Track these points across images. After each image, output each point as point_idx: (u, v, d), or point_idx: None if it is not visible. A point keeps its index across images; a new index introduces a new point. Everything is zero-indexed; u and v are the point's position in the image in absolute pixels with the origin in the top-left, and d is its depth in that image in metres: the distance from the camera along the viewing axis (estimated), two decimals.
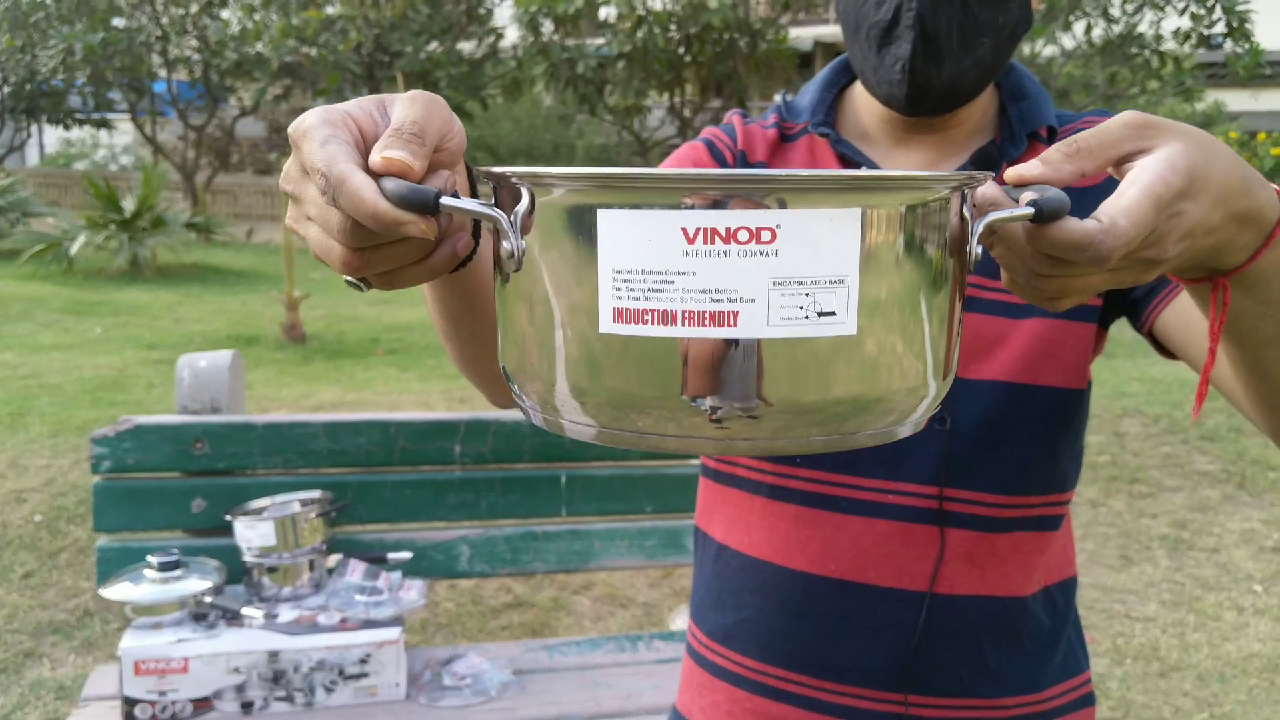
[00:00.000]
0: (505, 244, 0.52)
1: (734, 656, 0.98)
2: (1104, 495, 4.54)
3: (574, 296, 0.50)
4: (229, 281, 11.24)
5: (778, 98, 1.06)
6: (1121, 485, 4.63)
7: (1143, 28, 11.43)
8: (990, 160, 0.93)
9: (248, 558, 2.02)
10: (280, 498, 2.12)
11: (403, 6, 14.22)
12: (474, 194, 0.59)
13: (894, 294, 0.49)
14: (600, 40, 13.25)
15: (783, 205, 0.46)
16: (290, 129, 0.54)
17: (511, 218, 0.51)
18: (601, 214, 0.48)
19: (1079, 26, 11.49)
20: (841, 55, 1.02)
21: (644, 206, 0.47)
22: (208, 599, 1.94)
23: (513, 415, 2.22)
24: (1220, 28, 11.04)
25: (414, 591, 2.05)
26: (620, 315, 0.48)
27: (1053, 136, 0.95)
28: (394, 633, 1.94)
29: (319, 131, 0.51)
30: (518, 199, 0.51)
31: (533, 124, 18.40)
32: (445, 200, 0.49)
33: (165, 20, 15.95)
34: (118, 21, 15.74)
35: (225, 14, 16.14)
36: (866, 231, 0.47)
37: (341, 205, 0.49)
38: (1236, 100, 16.14)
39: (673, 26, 12.66)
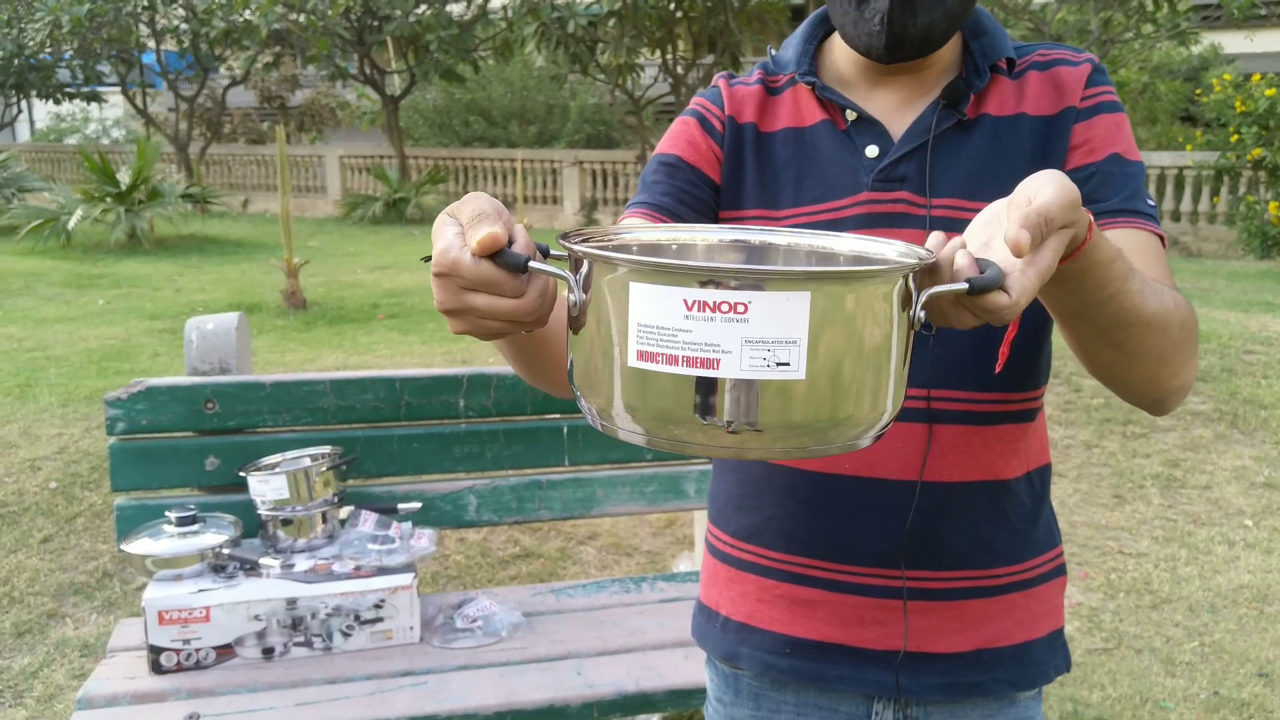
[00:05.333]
0: (571, 296, 0.71)
1: (760, 551, 1.09)
2: (1098, 437, 4.62)
3: (615, 338, 0.68)
4: (227, 251, 11.26)
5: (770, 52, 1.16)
6: (1115, 427, 4.70)
7: None
8: (959, 93, 1.03)
9: (262, 511, 2.09)
10: (291, 453, 2.18)
11: None
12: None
13: (838, 350, 0.66)
14: None
15: (755, 288, 0.63)
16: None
17: (577, 278, 0.71)
18: (633, 285, 0.66)
19: None
20: (820, 9, 1.12)
21: (660, 283, 0.65)
22: (226, 551, 2.02)
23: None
24: None
25: (425, 539, 2.12)
26: (641, 355, 0.66)
27: (1011, 67, 1.05)
28: (407, 578, 2.02)
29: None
30: (581, 265, 0.70)
31: (525, 85, 18.28)
32: (533, 264, 0.69)
33: None
34: None
35: None
36: (815, 308, 0.64)
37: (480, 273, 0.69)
38: (1232, 42, 16.03)
39: None
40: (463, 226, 0.70)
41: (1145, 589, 3.38)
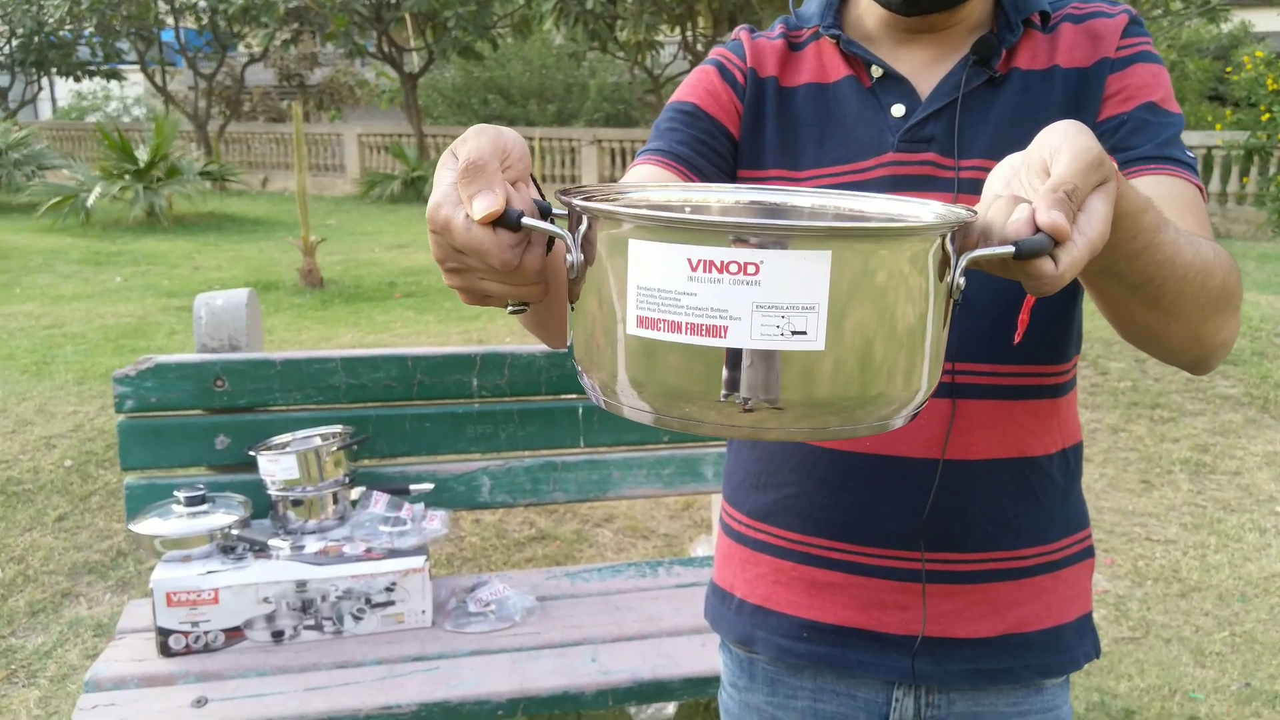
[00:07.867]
0: (569, 257, 0.64)
1: (776, 531, 1.05)
2: (1125, 421, 4.53)
3: (615, 304, 0.61)
4: (245, 229, 11.26)
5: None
6: (1143, 411, 4.61)
7: None
8: (990, 48, 0.96)
9: (272, 491, 2.05)
10: (302, 433, 2.14)
11: None
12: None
13: (865, 319, 0.58)
14: None
15: (770, 246, 0.56)
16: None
17: (575, 236, 0.64)
18: (631, 243, 0.59)
19: None
20: None
21: (662, 240, 0.58)
22: (235, 532, 1.98)
23: (528, 347, 2.23)
24: None
25: (437, 521, 2.07)
26: (641, 322, 0.59)
27: (1045, 21, 0.98)
28: (418, 561, 1.98)
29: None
30: (580, 222, 0.63)
31: (543, 63, 18.18)
32: (527, 220, 0.62)
33: None
34: None
35: None
36: (838, 269, 0.56)
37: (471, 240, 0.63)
38: (1263, 19, 15.72)
39: None
40: (457, 176, 0.64)
41: (1174, 577, 3.31)
